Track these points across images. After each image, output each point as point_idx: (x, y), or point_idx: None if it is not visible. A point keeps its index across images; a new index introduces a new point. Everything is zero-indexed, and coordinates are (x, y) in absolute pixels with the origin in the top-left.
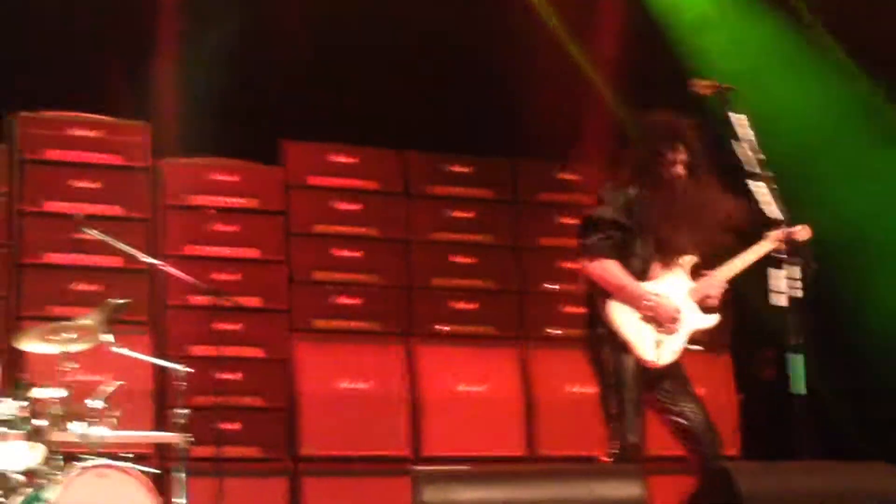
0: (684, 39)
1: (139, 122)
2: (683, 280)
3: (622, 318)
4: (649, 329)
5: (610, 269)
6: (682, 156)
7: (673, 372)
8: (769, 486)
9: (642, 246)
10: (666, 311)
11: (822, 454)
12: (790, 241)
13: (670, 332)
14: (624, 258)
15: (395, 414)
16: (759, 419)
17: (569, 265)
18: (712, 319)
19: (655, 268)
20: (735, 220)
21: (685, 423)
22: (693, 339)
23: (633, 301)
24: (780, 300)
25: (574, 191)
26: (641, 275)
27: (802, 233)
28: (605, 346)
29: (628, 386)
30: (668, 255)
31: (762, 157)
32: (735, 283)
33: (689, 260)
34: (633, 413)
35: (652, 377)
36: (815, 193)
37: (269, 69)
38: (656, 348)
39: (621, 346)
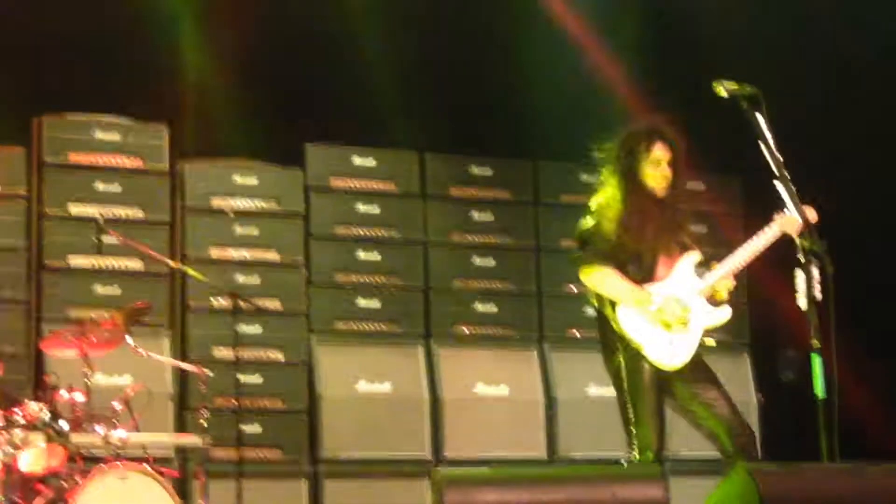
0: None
1: (160, 124)
2: (690, 277)
3: (632, 322)
4: (660, 330)
5: (609, 277)
6: (666, 154)
7: (695, 368)
8: (790, 488)
9: (640, 250)
10: (673, 312)
11: (846, 456)
12: (809, 237)
13: (681, 331)
14: (623, 264)
15: (416, 416)
16: (781, 420)
17: None
18: (724, 313)
19: (659, 269)
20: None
21: (712, 416)
22: (707, 334)
23: (638, 304)
24: (802, 301)
25: (595, 192)
26: (645, 277)
27: (808, 214)
28: (618, 352)
29: (645, 390)
30: (665, 257)
31: (781, 158)
32: (756, 282)
33: (693, 256)
34: (651, 418)
35: (672, 377)
36: None
37: (290, 72)
38: (670, 348)
39: (635, 351)
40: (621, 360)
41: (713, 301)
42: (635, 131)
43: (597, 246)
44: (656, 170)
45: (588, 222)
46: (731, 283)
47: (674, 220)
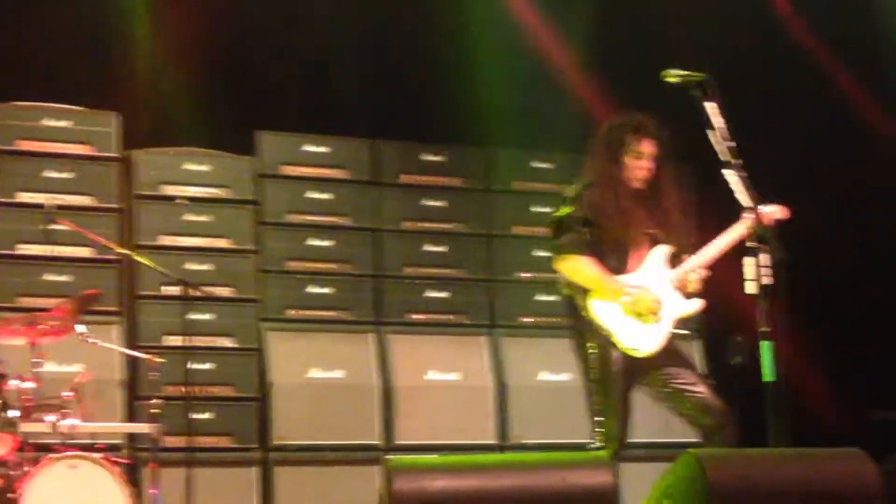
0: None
1: (110, 112)
2: (662, 269)
3: (602, 312)
4: (632, 320)
5: (585, 267)
6: (651, 149)
7: (666, 353)
8: (738, 474)
9: (614, 241)
10: (646, 303)
11: (794, 440)
12: (761, 227)
13: (654, 322)
14: (598, 254)
15: (367, 403)
16: (730, 405)
17: (541, 253)
18: (695, 305)
19: (632, 260)
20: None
21: (688, 399)
22: (678, 325)
23: (611, 296)
24: (751, 287)
25: (547, 179)
26: (618, 268)
27: (779, 213)
28: (589, 341)
29: (614, 380)
30: (637, 248)
31: (733, 144)
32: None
33: (665, 249)
34: (618, 409)
35: (644, 361)
36: None
37: (241, 59)
38: (642, 337)
39: (606, 340)
40: (592, 348)
41: (684, 292)
42: (623, 123)
43: (574, 234)
44: (639, 163)
45: (564, 210)
46: (702, 275)
47: (653, 212)
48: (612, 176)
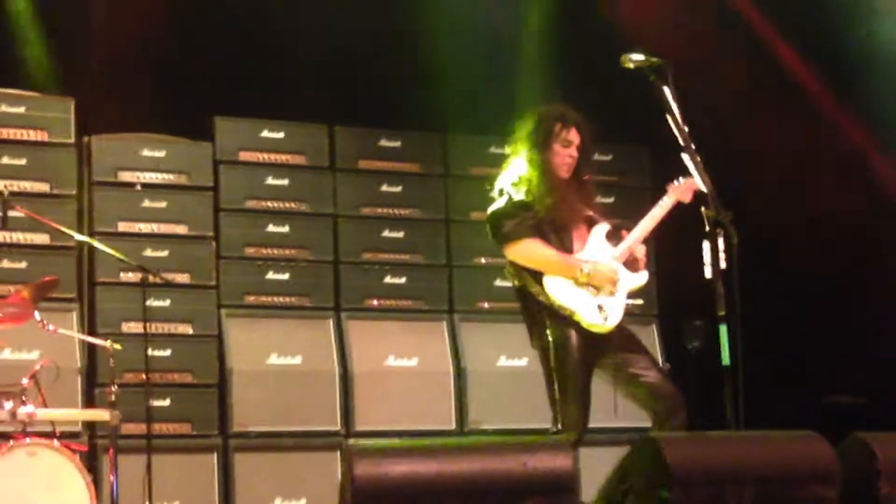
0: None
1: (66, 98)
2: (604, 246)
3: (559, 291)
4: (588, 295)
5: (536, 248)
6: (576, 138)
7: (621, 338)
8: (696, 457)
9: (554, 226)
10: (604, 274)
11: (751, 423)
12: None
13: (610, 293)
14: (544, 238)
15: (326, 389)
16: (687, 388)
17: None
18: (643, 277)
19: (575, 242)
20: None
21: (642, 385)
22: (630, 296)
23: (568, 271)
24: (708, 272)
25: (505, 165)
26: (563, 251)
27: (695, 185)
28: (546, 327)
29: (573, 367)
30: (577, 232)
31: (687, 129)
32: (664, 253)
33: (604, 227)
34: (578, 395)
35: (601, 346)
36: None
37: (198, 44)
38: (601, 311)
39: (564, 322)
40: (549, 336)
41: (630, 267)
42: (548, 114)
43: (519, 219)
44: (568, 151)
45: (502, 201)
46: (643, 249)
47: (580, 196)
48: (543, 164)
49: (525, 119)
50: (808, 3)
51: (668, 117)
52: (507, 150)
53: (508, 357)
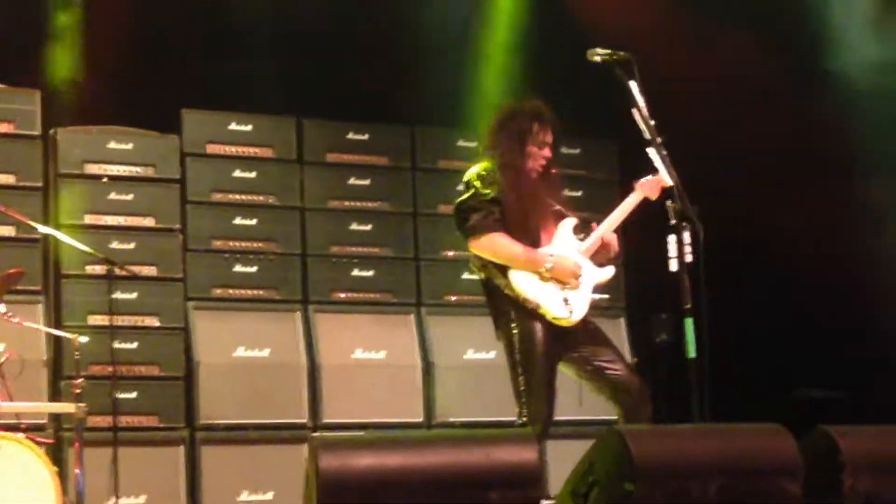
0: None
1: (32, 89)
2: (571, 240)
3: (525, 284)
4: (554, 289)
5: (501, 242)
6: (549, 137)
7: (587, 331)
8: (661, 450)
9: (522, 224)
10: (568, 268)
11: (717, 416)
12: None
13: (574, 287)
14: (509, 233)
15: (293, 381)
16: (654, 381)
17: None
18: (609, 272)
19: (543, 237)
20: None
21: (607, 378)
22: (596, 290)
23: (532, 265)
24: (674, 265)
25: (473, 158)
26: (531, 246)
27: (663, 182)
28: (512, 321)
29: (538, 360)
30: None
31: (653, 123)
32: (631, 247)
33: (572, 221)
34: (543, 388)
35: (567, 340)
36: None
37: (166, 37)
38: (566, 305)
39: (529, 315)
40: (514, 329)
41: (596, 261)
42: (525, 112)
43: (485, 212)
44: (542, 152)
45: (466, 195)
46: (614, 243)
47: (548, 190)
48: (515, 165)
49: (500, 113)
50: None
51: (635, 111)
52: (478, 142)
53: (476, 350)
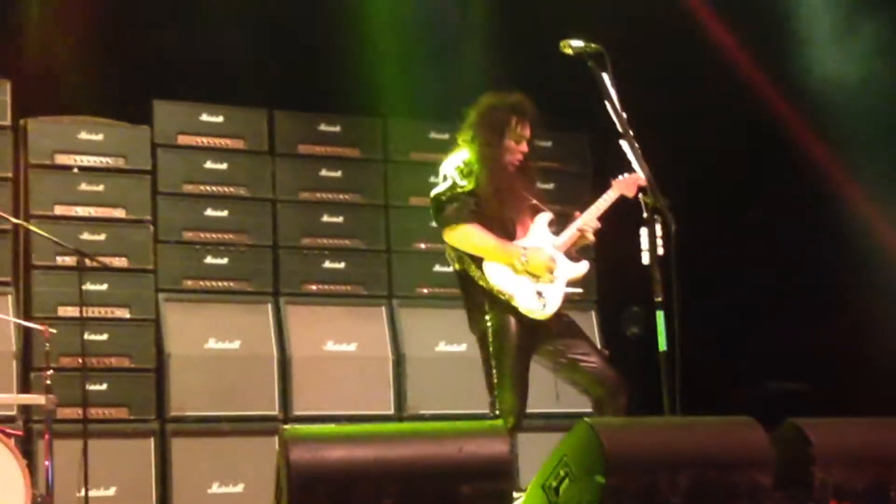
0: None
1: (2, 79)
2: (546, 235)
3: (499, 277)
4: (528, 281)
5: (476, 233)
6: (528, 132)
7: (561, 324)
8: (632, 443)
9: (498, 216)
10: (542, 262)
11: (687, 409)
12: (652, 195)
13: (548, 281)
14: (485, 225)
15: (265, 373)
16: (626, 374)
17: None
18: (583, 267)
19: (519, 230)
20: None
21: (582, 370)
22: (570, 285)
23: (506, 258)
24: (646, 258)
25: (445, 150)
26: (506, 239)
27: (640, 180)
28: (485, 313)
29: (511, 353)
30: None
31: (625, 116)
32: (603, 240)
33: (547, 216)
34: (515, 382)
35: (540, 333)
36: None
37: (137, 27)
38: (539, 299)
39: (503, 308)
40: (488, 321)
41: (571, 256)
42: (504, 105)
43: (461, 203)
44: (520, 147)
45: (443, 185)
46: (594, 228)
47: (525, 184)
48: (493, 158)
49: (480, 106)
50: None
51: (607, 104)
52: (457, 133)
53: (447, 343)
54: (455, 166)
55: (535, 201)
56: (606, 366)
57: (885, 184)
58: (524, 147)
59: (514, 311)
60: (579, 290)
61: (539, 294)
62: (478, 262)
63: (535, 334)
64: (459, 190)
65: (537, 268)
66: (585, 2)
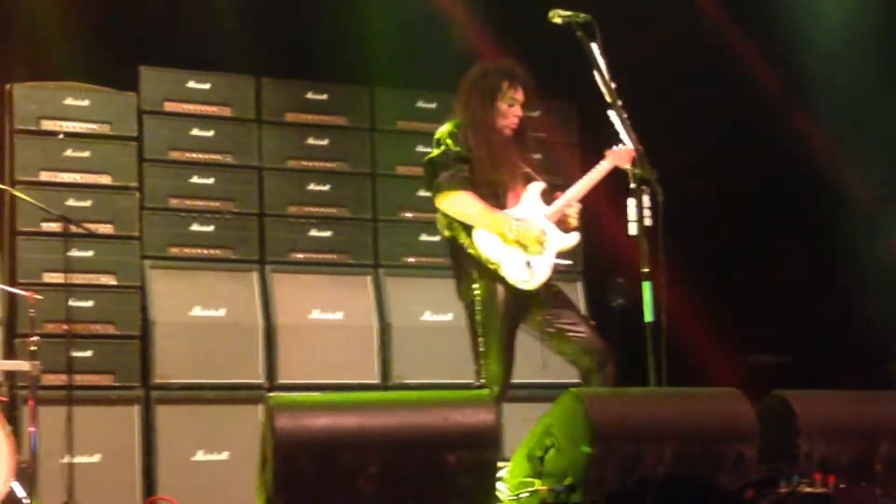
0: None
1: None
2: (538, 204)
3: (488, 245)
4: (517, 251)
5: (468, 201)
6: (521, 97)
7: (549, 293)
8: (618, 413)
9: (490, 182)
10: (532, 233)
11: (673, 380)
12: (640, 165)
13: (538, 252)
14: (476, 192)
15: (250, 341)
16: (612, 345)
17: (425, 193)
18: (574, 238)
19: (510, 198)
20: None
21: (569, 340)
22: (559, 256)
23: (497, 227)
24: (633, 229)
25: (431, 119)
26: (497, 207)
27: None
28: (474, 281)
29: (498, 322)
30: (513, 188)
31: (614, 86)
32: (589, 210)
33: (540, 185)
34: (501, 352)
35: (528, 303)
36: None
37: None
38: (528, 269)
39: (492, 276)
40: (476, 290)
41: (562, 227)
42: (496, 70)
43: (453, 171)
44: (513, 110)
45: (437, 151)
46: (577, 209)
47: (519, 153)
48: (486, 122)
49: (471, 71)
50: None
51: (596, 73)
52: (452, 100)
53: (433, 312)
54: (449, 132)
55: (528, 170)
56: (595, 335)
57: (869, 156)
58: (518, 111)
59: (503, 280)
60: (569, 262)
61: (528, 264)
62: (468, 230)
63: (522, 304)
64: (452, 156)
65: (527, 238)
66: None
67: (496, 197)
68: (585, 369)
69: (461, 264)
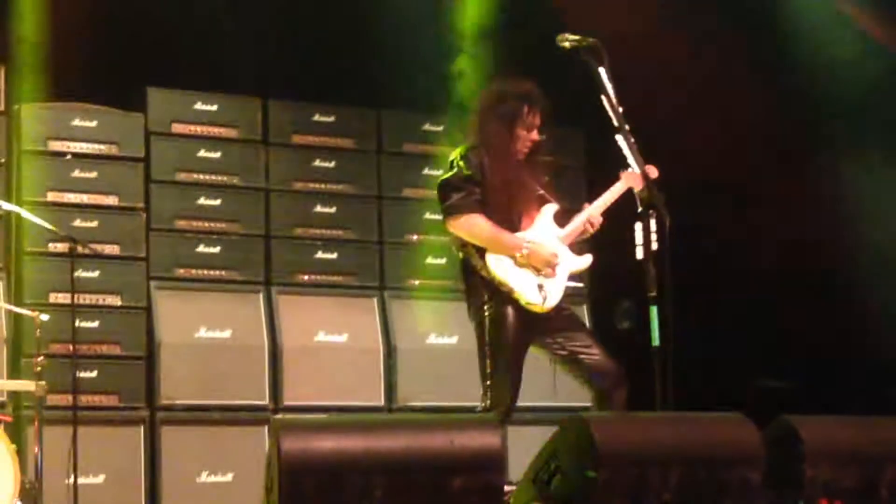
0: None
1: None
2: (551, 226)
3: (500, 268)
4: (529, 274)
5: (479, 224)
6: (539, 121)
7: (561, 316)
8: (625, 436)
9: (503, 206)
10: (543, 256)
11: (679, 404)
12: (648, 189)
13: (550, 275)
14: (489, 214)
15: (255, 363)
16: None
17: (431, 216)
18: (587, 260)
19: (524, 221)
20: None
21: (582, 363)
22: (572, 279)
23: (508, 250)
24: (640, 252)
25: (438, 142)
26: (510, 230)
27: (653, 172)
28: (485, 304)
29: (507, 344)
30: (527, 211)
31: (621, 110)
32: (596, 233)
33: (553, 208)
34: (509, 373)
35: (540, 326)
36: None
37: (132, 13)
38: (540, 291)
39: (504, 298)
40: (486, 311)
41: (574, 249)
42: (516, 95)
43: (465, 193)
44: (531, 135)
45: (449, 173)
46: (599, 222)
47: (533, 176)
48: (503, 147)
49: (489, 92)
50: None
51: (603, 98)
52: (466, 119)
53: (438, 335)
54: (462, 154)
55: (542, 192)
56: (607, 358)
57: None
58: (535, 135)
59: (514, 303)
60: (581, 284)
61: (540, 287)
62: (480, 251)
63: (533, 327)
64: (465, 178)
65: (538, 261)
66: None
67: (509, 220)
68: (599, 392)
69: (473, 285)
